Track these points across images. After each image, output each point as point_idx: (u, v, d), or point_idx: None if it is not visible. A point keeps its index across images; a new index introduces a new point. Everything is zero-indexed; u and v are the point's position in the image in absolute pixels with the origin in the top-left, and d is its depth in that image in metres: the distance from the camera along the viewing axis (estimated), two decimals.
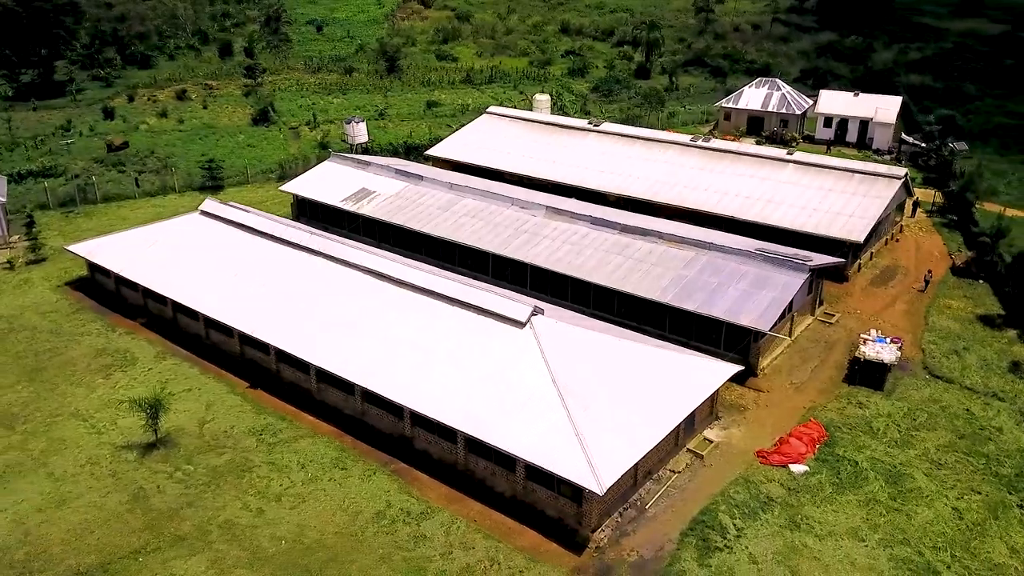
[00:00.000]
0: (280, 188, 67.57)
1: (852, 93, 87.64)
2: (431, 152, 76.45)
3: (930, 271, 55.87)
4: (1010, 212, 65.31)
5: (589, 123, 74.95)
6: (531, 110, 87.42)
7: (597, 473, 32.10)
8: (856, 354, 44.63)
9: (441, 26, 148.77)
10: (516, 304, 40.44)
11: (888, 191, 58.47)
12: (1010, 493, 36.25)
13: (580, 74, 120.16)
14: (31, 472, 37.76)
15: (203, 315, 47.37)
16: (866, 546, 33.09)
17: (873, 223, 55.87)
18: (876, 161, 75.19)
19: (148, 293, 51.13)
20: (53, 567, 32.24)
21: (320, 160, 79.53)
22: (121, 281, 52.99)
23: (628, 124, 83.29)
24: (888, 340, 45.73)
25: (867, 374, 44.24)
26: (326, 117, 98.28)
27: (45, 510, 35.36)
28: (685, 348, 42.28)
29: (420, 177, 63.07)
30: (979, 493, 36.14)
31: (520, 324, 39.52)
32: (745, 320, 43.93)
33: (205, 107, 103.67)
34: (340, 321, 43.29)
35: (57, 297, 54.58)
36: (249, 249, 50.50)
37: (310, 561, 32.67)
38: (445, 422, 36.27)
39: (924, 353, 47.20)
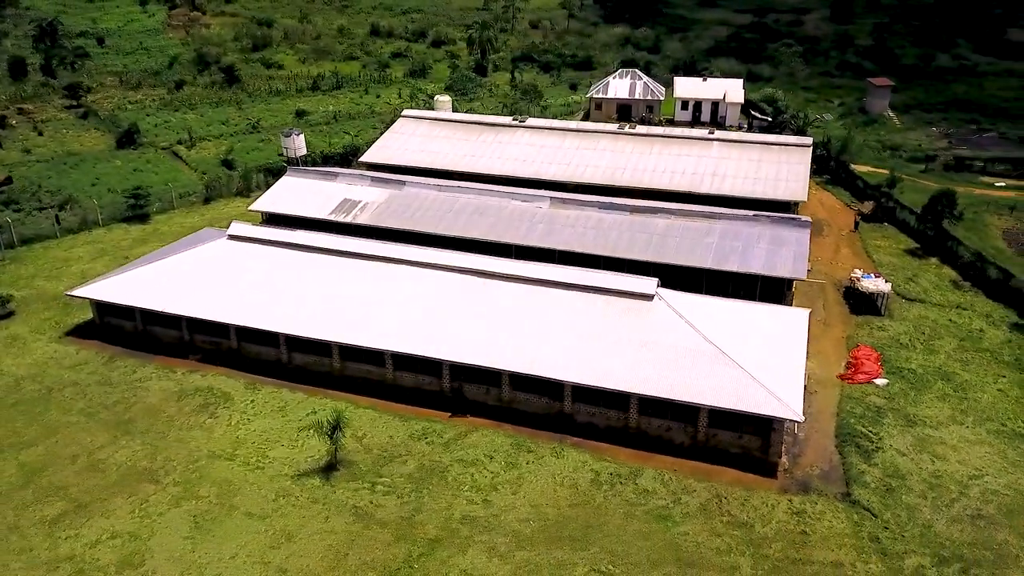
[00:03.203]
0: (249, 208, 64.90)
1: (701, 78, 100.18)
2: (365, 159, 76.63)
3: (858, 212, 68.14)
4: (865, 168, 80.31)
5: (514, 119, 79.52)
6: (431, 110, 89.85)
7: (791, 407, 38.22)
8: (859, 289, 54.47)
9: (248, 32, 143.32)
10: (641, 280, 45.17)
11: (806, 156, 69.88)
12: (1021, 372, 47.60)
13: (421, 75, 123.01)
14: (226, 517, 36.19)
15: (286, 338, 46.51)
16: (967, 427, 42.42)
17: (807, 184, 66.78)
18: None
19: (197, 327, 48.56)
20: None
21: (244, 178, 77.07)
22: (152, 320, 49.59)
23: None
24: (873, 275, 56.22)
25: (867, 304, 54.27)
26: (195, 135, 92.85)
27: (279, 546, 34.52)
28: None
29: (401, 183, 64.31)
30: (1004, 377, 47.09)
31: (649, 297, 44.35)
32: (784, 272, 52.06)
33: (40, 133, 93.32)
34: (457, 320, 45.05)
35: (76, 348, 49.63)
36: (313, 266, 49.79)
37: (571, 531, 35.51)
38: (622, 389, 40.28)
39: (890, 283, 58.31)
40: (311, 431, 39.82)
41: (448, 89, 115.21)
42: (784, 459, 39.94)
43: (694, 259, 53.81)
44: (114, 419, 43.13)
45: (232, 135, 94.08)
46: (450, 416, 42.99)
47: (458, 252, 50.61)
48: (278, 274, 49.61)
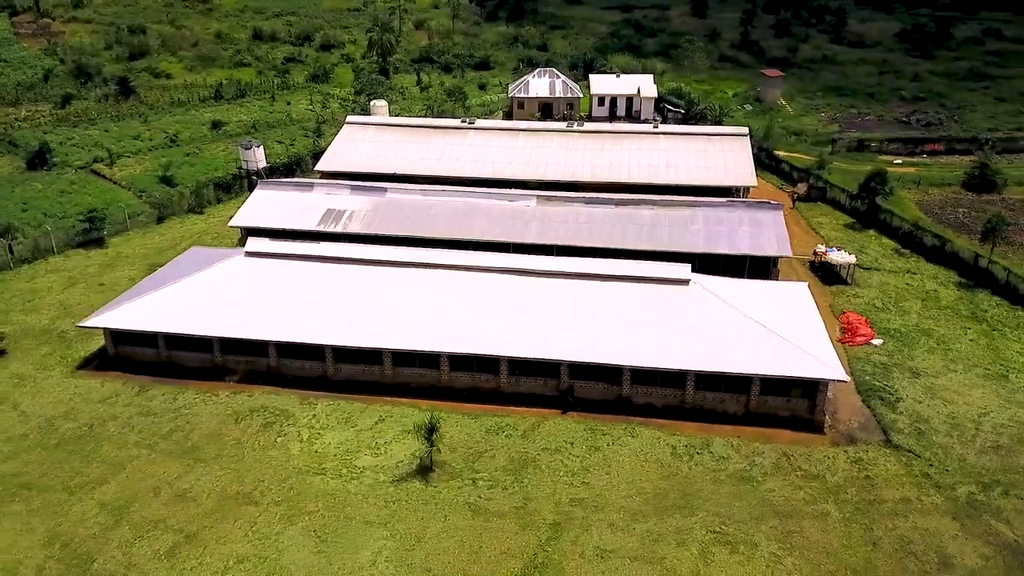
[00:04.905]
0: (229, 224, 63.04)
1: (615, 75, 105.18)
2: (321, 167, 75.75)
3: (794, 192, 74.98)
4: (781, 154, 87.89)
5: (463, 122, 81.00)
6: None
7: (837, 370, 42.88)
8: (828, 262, 60.51)
9: (122, 40, 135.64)
10: (676, 266, 48.60)
11: (746, 145, 75.84)
12: (980, 323, 54.91)
13: (324, 80, 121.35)
14: (344, 527, 36.56)
15: (333, 349, 46.60)
16: (960, 374, 48.80)
17: (753, 170, 72.72)
18: None
19: (231, 347, 47.61)
20: None
21: (196, 194, 74.38)
22: (176, 344, 48.10)
23: (441, 117, 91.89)
24: (837, 248, 62.53)
25: (834, 274, 60.47)
26: (112, 152, 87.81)
27: (412, 548, 35.42)
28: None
29: (383, 190, 64.70)
30: (970, 328, 54.21)
31: (685, 282, 47.87)
32: (771, 251, 57.20)
33: None
34: (507, 318, 46.79)
35: (99, 381, 47.29)
36: (345, 277, 49.88)
37: (673, 500, 38.51)
38: (684, 368, 43.60)
39: (854, 255, 64.75)
40: (407, 435, 40.68)
41: (358, 93, 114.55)
42: (826, 418, 44.62)
43: (686, 244, 57.91)
44: (177, 448, 41.89)
45: (151, 150, 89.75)
46: (561, 413, 44.67)
47: (493, 253, 52.32)
48: (310, 287, 49.33)
